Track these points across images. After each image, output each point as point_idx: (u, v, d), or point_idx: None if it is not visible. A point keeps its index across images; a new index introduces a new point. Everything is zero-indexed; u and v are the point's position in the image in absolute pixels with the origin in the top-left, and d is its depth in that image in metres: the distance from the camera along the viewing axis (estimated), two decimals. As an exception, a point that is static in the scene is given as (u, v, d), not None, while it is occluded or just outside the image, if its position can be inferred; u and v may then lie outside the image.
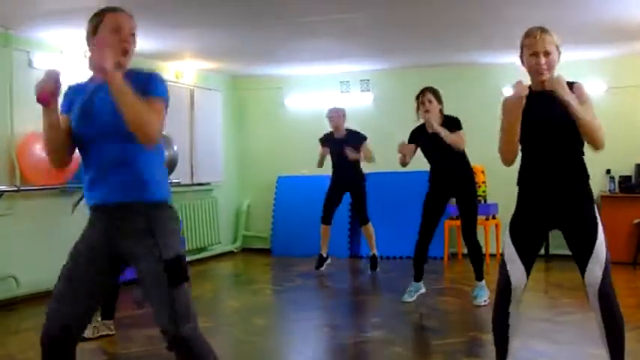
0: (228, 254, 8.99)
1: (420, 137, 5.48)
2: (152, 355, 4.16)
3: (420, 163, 5.69)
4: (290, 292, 6.44)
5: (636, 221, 7.39)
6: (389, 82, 8.69)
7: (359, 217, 7.18)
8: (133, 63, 2.57)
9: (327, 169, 7.26)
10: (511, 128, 3.01)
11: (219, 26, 6.06)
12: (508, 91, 7.88)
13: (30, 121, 5.89)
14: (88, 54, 2.59)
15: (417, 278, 5.62)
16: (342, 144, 6.93)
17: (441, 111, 5.44)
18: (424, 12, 5.69)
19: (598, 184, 7.50)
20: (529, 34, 3.07)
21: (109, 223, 2.49)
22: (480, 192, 7.67)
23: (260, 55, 7.68)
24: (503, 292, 3.08)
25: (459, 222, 5.70)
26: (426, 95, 5.40)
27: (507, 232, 3.15)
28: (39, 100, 2.40)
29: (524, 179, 3.15)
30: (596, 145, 2.98)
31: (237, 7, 5.37)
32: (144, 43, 6.50)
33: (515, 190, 3.17)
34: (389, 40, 6.97)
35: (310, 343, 4.67)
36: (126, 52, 2.52)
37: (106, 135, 2.45)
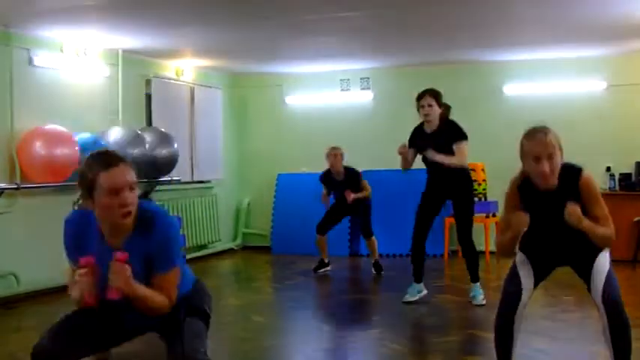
0: (229, 252, 9.00)
1: (418, 140, 5.41)
2: (152, 354, 4.16)
3: (419, 161, 5.67)
4: (290, 289, 6.44)
5: (636, 219, 7.39)
6: (389, 80, 8.69)
7: (362, 231, 7.17)
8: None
9: (324, 167, 7.19)
10: (512, 242, 3.05)
11: (220, 24, 6.05)
12: (509, 89, 7.97)
13: (30, 119, 5.90)
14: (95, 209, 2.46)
15: (417, 279, 5.50)
16: (342, 186, 6.96)
17: (442, 114, 5.30)
18: (424, 10, 5.68)
19: (598, 182, 7.46)
20: (531, 137, 2.90)
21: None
22: (480, 189, 7.66)
23: (260, 53, 7.67)
24: (512, 300, 3.05)
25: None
26: (426, 99, 5.24)
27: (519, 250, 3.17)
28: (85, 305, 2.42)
29: (528, 246, 3.15)
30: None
31: (237, 5, 5.37)
32: (145, 40, 6.51)
33: None
34: (389, 38, 6.96)
35: (310, 341, 4.67)
36: (128, 215, 2.39)
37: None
